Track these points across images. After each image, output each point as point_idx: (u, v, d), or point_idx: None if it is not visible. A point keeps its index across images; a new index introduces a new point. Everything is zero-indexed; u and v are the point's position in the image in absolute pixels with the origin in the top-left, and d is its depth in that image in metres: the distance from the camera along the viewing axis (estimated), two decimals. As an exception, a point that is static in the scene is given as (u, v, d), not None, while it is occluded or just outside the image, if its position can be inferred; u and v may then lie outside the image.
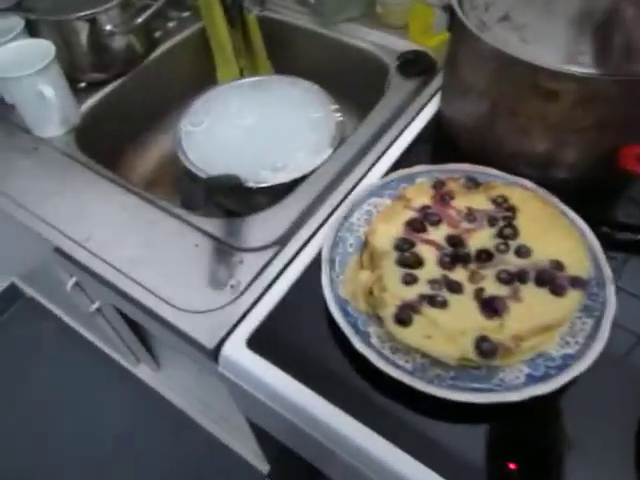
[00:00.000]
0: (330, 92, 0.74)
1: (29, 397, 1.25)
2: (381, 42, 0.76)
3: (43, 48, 0.64)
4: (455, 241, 0.47)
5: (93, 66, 0.75)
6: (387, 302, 0.44)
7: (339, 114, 0.69)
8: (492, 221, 0.48)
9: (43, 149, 0.66)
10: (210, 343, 0.46)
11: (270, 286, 0.50)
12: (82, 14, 0.69)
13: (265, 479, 0.58)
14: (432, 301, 0.43)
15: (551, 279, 0.43)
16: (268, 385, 0.44)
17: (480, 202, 0.50)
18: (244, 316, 0.48)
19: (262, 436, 0.60)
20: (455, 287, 0.44)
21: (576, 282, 0.43)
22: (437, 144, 0.62)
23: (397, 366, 0.42)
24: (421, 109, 0.65)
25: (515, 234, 0.47)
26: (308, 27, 0.81)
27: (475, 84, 0.53)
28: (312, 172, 0.61)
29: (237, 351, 0.46)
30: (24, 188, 0.61)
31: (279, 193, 0.59)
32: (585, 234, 0.48)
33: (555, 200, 0.51)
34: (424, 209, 0.49)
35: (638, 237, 0.54)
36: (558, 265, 0.44)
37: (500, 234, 0.47)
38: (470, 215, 0.49)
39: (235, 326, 0.47)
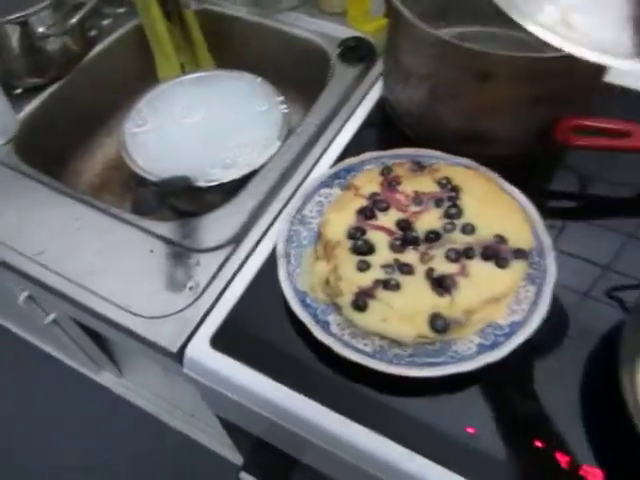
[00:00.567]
0: (275, 84, 0.74)
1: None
2: (322, 30, 0.76)
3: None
4: (404, 225, 0.49)
5: (28, 71, 0.72)
6: (343, 290, 0.45)
7: (284, 106, 0.70)
8: (438, 202, 0.50)
9: (-19, 162, 0.64)
10: (173, 346, 0.47)
11: (229, 284, 0.51)
12: (12, 17, 0.66)
13: (240, 471, 0.59)
14: (386, 285, 0.45)
15: (495, 253, 0.46)
16: (235, 382, 0.45)
17: (426, 185, 0.51)
18: (205, 316, 0.49)
19: (233, 431, 0.61)
20: (407, 269, 0.46)
21: (519, 254, 0.46)
22: (383, 129, 0.63)
23: (357, 350, 0.44)
24: (365, 95, 0.66)
25: (460, 213, 0.49)
26: (248, 18, 0.80)
27: (414, 69, 0.54)
28: (262, 166, 0.61)
29: (201, 351, 0.47)
30: (-36, 206, 0.59)
31: (231, 190, 0.59)
32: (525, 207, 0.51)
33: (496, 176, 0.53)
34: (373, 196, 0.51)
35: (575, 204, 0.57)
36: (501, 239, 0.47)
37: (446, 214, 0.49)
38: (417, 198, 0.50)
39: (197, 327, 0.48)
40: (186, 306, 0.49)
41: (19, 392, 1.25)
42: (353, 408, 0.44)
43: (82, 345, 0.94)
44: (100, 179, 0.82)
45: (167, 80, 0.77)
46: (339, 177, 0.55)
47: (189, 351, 0.47)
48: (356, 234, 0.48)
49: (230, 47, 0.84)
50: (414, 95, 0.56)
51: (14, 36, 0.68)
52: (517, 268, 0.45)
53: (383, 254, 0.47)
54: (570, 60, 0.46)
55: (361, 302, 0.44)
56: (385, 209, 0.50)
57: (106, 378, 1.15)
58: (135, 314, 0.49)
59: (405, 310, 0.44)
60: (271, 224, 0.55)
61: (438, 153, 0.55)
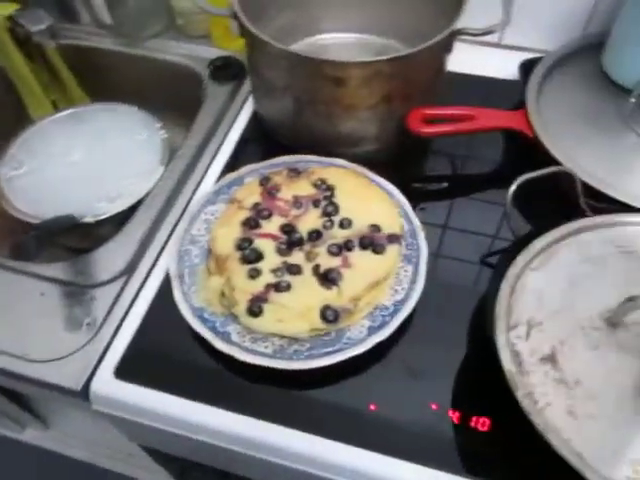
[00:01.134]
0: (153, 111, 0.75)
1: None
2: (191, 53, 0.77)
3: None
4: (288, 229, 0.52)
5: None
6: (238, 299, 0.47)
7: (163, 131, 0.71)
8: (316, 203, 0.53)
9: None
10: (77, 385, 0.47)
11: (127, 313, 0.51)
12: None
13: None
14: (278, 287, 0.47)
15: (372, 241, 0.50)
16: (145, 408, 0.46)
17: (303, 188, 0.55)
18: (107, 349, 0.49)
19: (160, 457, 0.61)
20: (295, 269, 0.49)
21: (392, 238, 0.50)
22: (260, 141, 0.66)
23: (259, 353, 0.46)
24: (239, 111, 0.69)
25: (336, 210, 0.53)
26: (115, 49, 0.80)
27: (276, 82, 0.57)
28: (148, 194, 0.62)
29: (106, 384, 0.47)
30: None
31: (122, 222, 0.59)
32: (394, 195, 0.55)
33: (366, 171, 0.57)
34: (255, 206, 0.53)
35: (441, 185, 0.63)
36: (376, 228, 0.51)
37: (324, 213, 0.53)
38: (297, 202, 0.54)
39: (99, 361, 0.48)
40: (86, 343, 0.49)
41: None
42: (266, 409, 0.46)
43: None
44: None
45: (40, 119, 0.75)
46: (222, 193, 0.57)
47: (94, 386, 0.47)
48: (244, 245, 0.50)
49: (104, 79, 0.84)
50: (281, 106, 0.59)
51: None
52: (392, 252, 0.50)
53: (271, 259, 0.50)
54: (409, 60, 0.52)
55: (256, 308, 0.46)
56: (268, 217, 0.52)
57: (31, 435, 1.08)
58: (32, 360, 0.48)
59: (298, 308, 0.47)
60: (162, 248, 0.56)
61: (312, 157, 0.59)
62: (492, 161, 0.63)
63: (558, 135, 0.57)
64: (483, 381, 0.46)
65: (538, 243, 0.46)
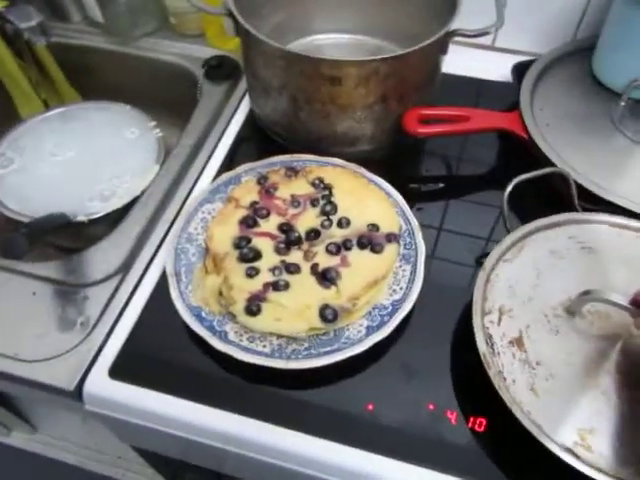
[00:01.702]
0: (147, 109, 0.74)
1: None
2: (184, 52, 0.77)
3: None
4: (286, 228, 0.51)
5: None
6: (236, 298, 0.47)
7: (158, 130, 0.70)
8: (314, 202, 0.53)
9: None
10: (70, 385, 0.46)
11: (122, 313, 0.50)
12: None
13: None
14: (276, 286, 0.47)
15: (370, 240, 0.50)
16: (139, 407, 0.45)
17: (301, 187, 0.55)
18: (101, 349, 0.48)
19: (152, 459, 0.60)
20: (293, 268, 0.48)
21: (390, 237, 0.50)
22: (256, 140, 0.66)
23: (257, 353, 0.45)
24: (235, 110, 0.69)
25: (335, 209, 0.52)
26: (108, 48, 0.79)
27: (272, 82, 0.57)
28: (143, 192, 0.61)
29: (100, 384, 0.46)
30: None
31: (117, 220, 0.59)
32: (392, 194, 0.55)
33: (363, 171, 0.57)
34: (253, 205, 0.53)
35: (437, 186, 0.63)
36: (374, 227, 0.51)
37: (322, 212, 0.52)
38: (294, 201, 0.53)
39: (93, 361, 0.47)
40: (79, 342, 0.48)
41: None
42: (263, 409, 0.45)
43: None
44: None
45: (31, 117, 0.74)
46: (219, 192, 0.56)
47: (87, 386, 0.46)
48: (241, 243, 0.50)
49: (96, 78, 0.83)
50: (277, 105, 0.59)
51: None
52: (391, 251, 0.50)
53: (270, 258, 0.49)
54: (405, 59, 0.52)
55: (254, 307, 0.46)
56: (266, 216, 0.52)
57: (18, 438, 1.06)
58: (24, 360, 0.47)
59: (296, 307, 0.46)
60: (158, 247, 0.55)
61: (309, 156, 0.59)
62: (485, 162, 0.64)
63: (551, 136, 0.58)
64: (480, 382, 0.46)
65: (509, 238, 0.50)
